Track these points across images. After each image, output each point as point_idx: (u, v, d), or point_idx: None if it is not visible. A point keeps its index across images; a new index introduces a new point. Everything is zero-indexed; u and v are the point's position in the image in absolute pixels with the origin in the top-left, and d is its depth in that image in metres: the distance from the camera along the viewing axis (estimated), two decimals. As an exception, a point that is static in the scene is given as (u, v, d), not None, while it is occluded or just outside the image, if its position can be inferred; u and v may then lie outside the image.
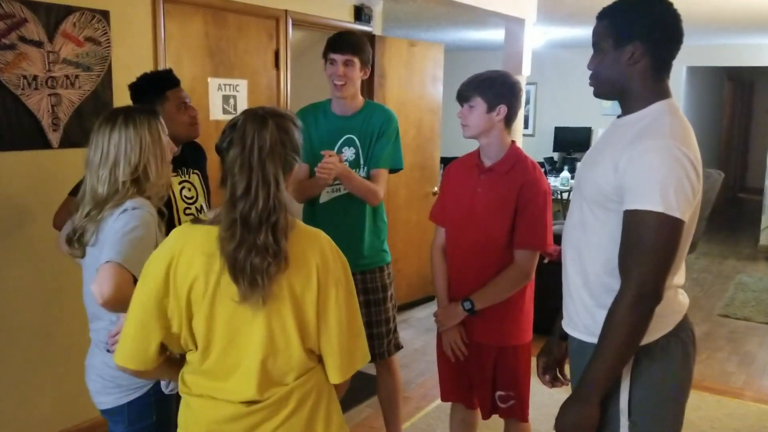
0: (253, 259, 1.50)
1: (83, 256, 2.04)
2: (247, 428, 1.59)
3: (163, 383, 2.02)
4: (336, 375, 1.64)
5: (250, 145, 1.54)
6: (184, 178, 2.66)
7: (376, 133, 2.91)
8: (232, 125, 1.59)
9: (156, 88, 2.57)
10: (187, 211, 2.63)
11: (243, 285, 1.51)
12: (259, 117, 1.58)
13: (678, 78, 8.93)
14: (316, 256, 1.58)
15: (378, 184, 2.89)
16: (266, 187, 1.53)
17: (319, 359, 1.65)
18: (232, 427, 1.59)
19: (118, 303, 1.77)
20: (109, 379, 2.02)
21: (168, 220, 2.57)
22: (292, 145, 1.61)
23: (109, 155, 1.97)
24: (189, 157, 2.72)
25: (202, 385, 1.62)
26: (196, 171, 2.72)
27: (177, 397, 2.00)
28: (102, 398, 2.06)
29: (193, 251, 1.55)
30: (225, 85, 3.91)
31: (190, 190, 2.67)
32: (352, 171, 2.80)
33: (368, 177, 2.90)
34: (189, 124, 2.60)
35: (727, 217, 10.53)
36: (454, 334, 2.52)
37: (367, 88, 4.86)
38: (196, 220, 1.63)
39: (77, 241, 2.01)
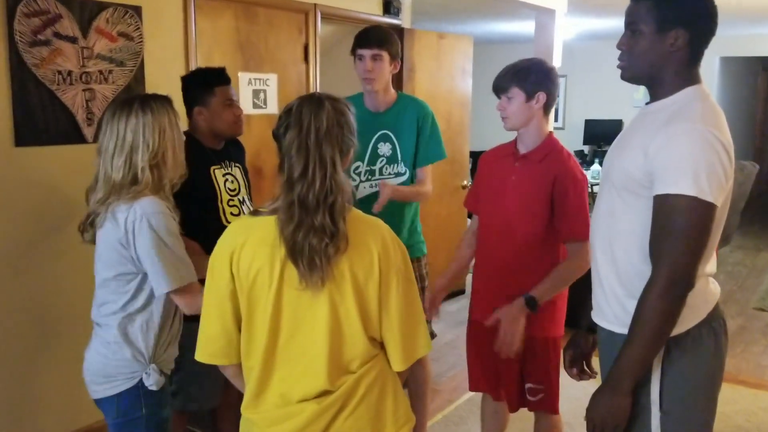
0: (311, 239, 1.50)
1: (94, 241, 2.04)
2: (323, 427, 1.58)
3: (145, 378, 2.01)
4: (398, 363, 1.65)
5: (307, 126, 1.54)
6: (227, 171, 2.72)
7: (414, 129, 2.90)
8: (288, 110, 1.59)
9: (207, 83, 2.65)
10: (231, 203, 2.69)
11: (302, 266, 1.51)
12: (315, 100, 1.58)
13: (711, 68, 8.78)
14: (377, 244, 1.59)
15: (425, 183, 2.97)
16: (323, 169, 1.53)
17: (381, 347, 1.66)
18: (312, 430, 1.58)
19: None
20: (99, 368, 2.03)
21: (213, 210, 2.62)
22: (348, 127, 1.61)
23: (125, 141, 1.96)
24: (231, 152, 2.79)
25: (272, 392, 1.60)
26: (237, 164, 2.79)
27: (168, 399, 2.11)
28: (94, 387, 2.06)
29: (256, 243, 1.56)
30: (255, 79, 3.94)
31: (233, 182, 2.72)
32: (398, 187, 2.83)
33: (409, 171, 2.92)
34: (233, 122, 2.68)
35: (761, 209, 10.31)
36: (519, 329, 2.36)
37: (396, 81, 4.85)
38: (255, 212, 1.62)
39: (90, 225, 2.02)
